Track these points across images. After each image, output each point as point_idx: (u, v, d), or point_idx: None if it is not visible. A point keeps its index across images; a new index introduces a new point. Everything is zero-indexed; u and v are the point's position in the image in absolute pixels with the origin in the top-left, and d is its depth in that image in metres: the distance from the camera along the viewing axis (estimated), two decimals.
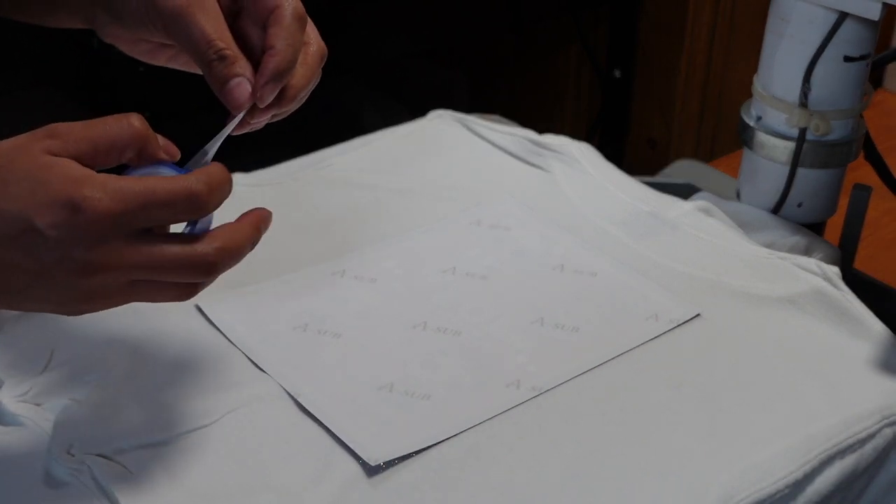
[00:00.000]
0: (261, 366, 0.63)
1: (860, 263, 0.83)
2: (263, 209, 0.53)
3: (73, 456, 0.55)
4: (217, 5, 0.55)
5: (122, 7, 0.56)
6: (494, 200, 0.80)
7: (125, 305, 0.66)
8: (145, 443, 0.57)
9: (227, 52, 0.53)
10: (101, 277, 0.48)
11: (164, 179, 0.48)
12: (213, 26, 0.53)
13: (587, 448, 0.58)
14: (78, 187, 0.46)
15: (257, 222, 0.52)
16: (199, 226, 0.51)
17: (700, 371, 0.64)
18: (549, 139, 0.85)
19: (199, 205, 0.49)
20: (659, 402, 0.61)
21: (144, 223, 0.48)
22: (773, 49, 0.77)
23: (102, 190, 0.46)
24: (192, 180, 0.49)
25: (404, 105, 1.61)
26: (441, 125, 0.90)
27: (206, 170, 0.50)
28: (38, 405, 0.59)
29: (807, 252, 0.77)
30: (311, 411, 0.60)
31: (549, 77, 1.67)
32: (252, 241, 0.51)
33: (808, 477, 0.57)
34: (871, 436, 0.60)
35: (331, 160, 0.84)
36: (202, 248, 0.49)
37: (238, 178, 0.81)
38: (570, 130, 1.67)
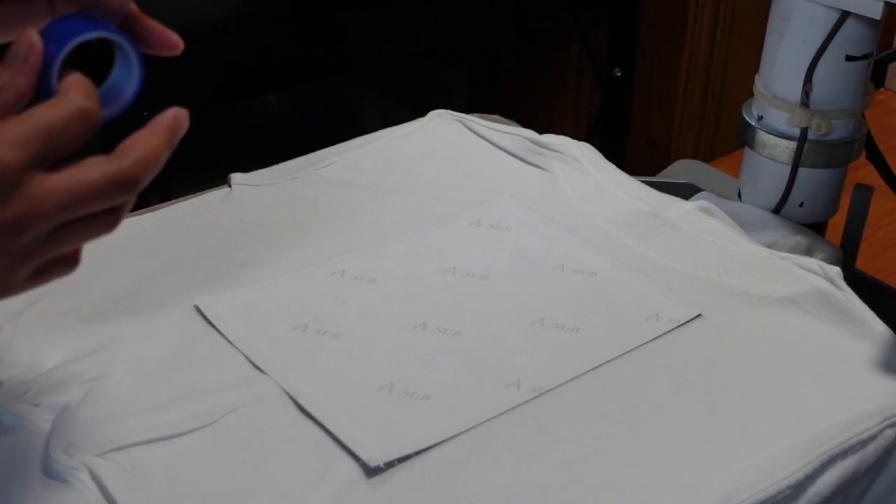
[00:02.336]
0: (260, 366, 0.63)
1: (862, 263, 0.82)
2: (171, 110, 0.49)
3: (71, 456, 0.55)
4: None
5: None
6: (494, 200, 0.80)
7: (125, 305, 0.67)
8: (144, 443, 0.57)
9: None
10: (26, 234, 0.45)
11: (50, 107, 0.45)
12: None
13: (587, 448, 0.58)
14: None
15: (169, 130, 0.48)
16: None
17: (701, 371, 0.64)
18: (549, 139, 0.85)
19: (93, 119, 0.46)
20: (659, 402, 0.61)
21: (51, 157, 0.46)
22: (774, 48, 0.77)
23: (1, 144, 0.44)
24: (76, 98, 0.46)
25: (404, 105, 1.61)
26: (441, 125, 0.89)
27: (78, 81, 0.47)
28: (36, 405, 0.59)
29: (808, 252, 0.76)
30: (311, 412, 0.59)
31: (549, 77, 1.67)
32: (169, 145, 0.48)
33: (810, 478, 0.57)
34: (873, 436, 0.60)
35: (331, 160, 0.84)
36: (119, 164, 0.46)
37: (238, 178, 0.81)
38: (570, 130, 1.67)
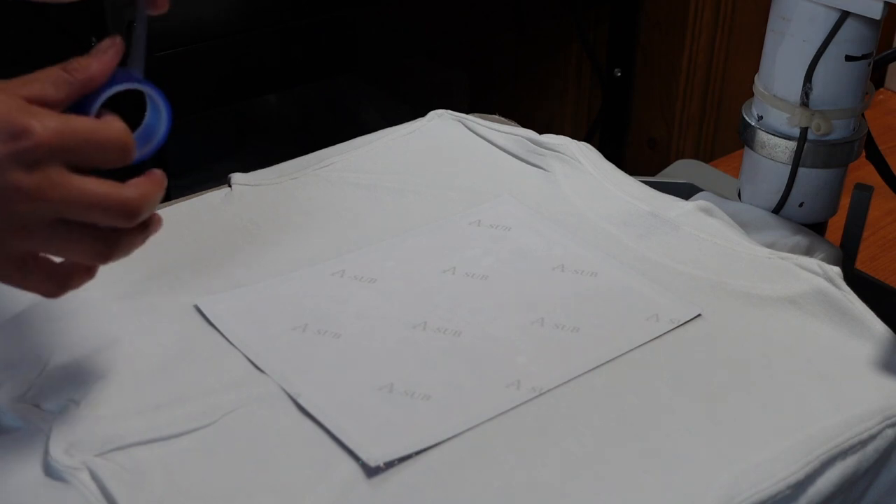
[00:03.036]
0: (260, 366, 0.63)
1: (862, 264, 0.83)
2: (159, 173, 0.55)
3: (71, 456, 0.55)
4: None
5: None
6: (494, 200, 0.80)
7: (126, 306, 0.67)
8: (144, 443, 0.57)
9: None
10: (34, 205, 0.50)
11: (97, 123, 0.52)
12: None
13: (587, 448, 0.58)
14: (24, 116, 0.49)
15: (160, 185, 0.54)
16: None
17: (701, 371, 0.64)
18: (549, 139, 0.85)
19: (127, 151, 0.52)
20: (659, 402, 0.61)
21: (79, 161, 0.51)
22: (774, 48, 0.77)
23: (46, 121, 0.50)
24: (120, 127, 0.52)
25: (404, 105, 1.61)
26: (441, 125, 0.89)
27: (119, 120, 0.53)
28: (36, 406, 0.59)
29: (808, 252, 0.77)
30: (311, 412, 0.59)
31: (549, 77, 1.67)
32: (160, 197, 0.54)
33: (810, 478, 0.57)
34: (873, 437, 0.60)
35: (331, 160, 0.84)
36: (127, 191, 0.52)
37: (238, 178, 0.81)
38: (570, 130, 1.67)
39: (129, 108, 0.57)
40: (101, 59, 0.53)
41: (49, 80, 0.52)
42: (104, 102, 0.54)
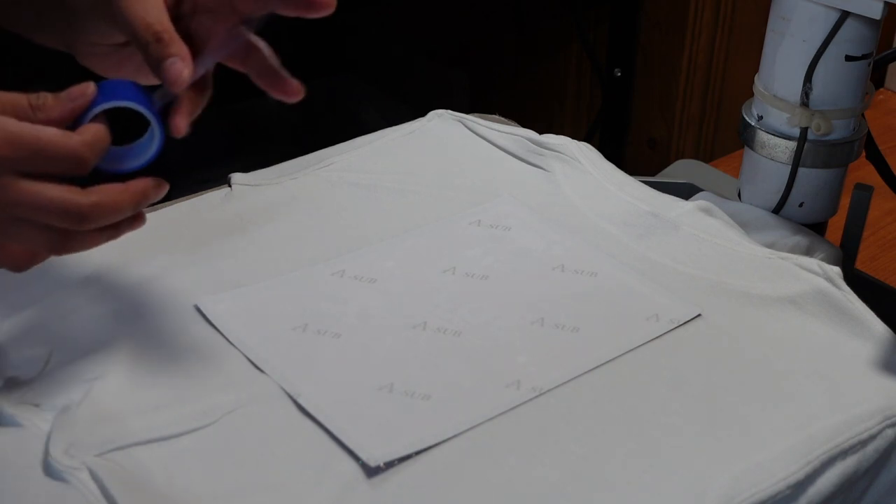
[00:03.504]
0: (260, 366, 0.63)
1: (861, 264, 0.83)
2: (151, 181, 0.57)
3: (71, 456, 0.55)
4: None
5: (72, 5, 0.61)
6: (494, 200, 0.80)
7: (127, 306, 0.67)
8: (144, 443, 0.57)
9: (164, 34, 0.57)
10: None
11: (56, 134, 0.54)
12: (153, 12, 0.58)
13: (587, 448, 0.58)
14: None
15: (139, 195, 0.56)
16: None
17: (701, 371, 0.64)
18: (549, 139, 0.85)
19: (80, 164, 0.54)
20: (659, 402, 0.61)
21: (31, 169, 0.53)
22: (774, 48, 0.77)
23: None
24: (77, 141, 0.54)
25: (404, 105, 1.61)
26: (441, 125, 0.89)
27: (94, 130, 0.55)
28: (36, 406, 0.59)
29: (808, 252, 0.76)
30: (311, 412, 0.59)
31: (549, 77, 1.67)
32: (132, 207, 0.56)
33: (810, 478, 0.57)
34: (873, 436, 0.60)
35: (331, 160, 0.84)
36: (79, 198, 0.54)
37: (238, 178, 0.81)
38: (570, 130, 1.67)
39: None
40: (66, 106, 0.55)
41: (11, 109, 0.54)
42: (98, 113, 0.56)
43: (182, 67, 0.57)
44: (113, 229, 0.57)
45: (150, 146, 0.58)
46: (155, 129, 0.58)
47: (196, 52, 0.58)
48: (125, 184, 0.56)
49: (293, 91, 0.63)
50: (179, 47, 0.57)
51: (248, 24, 0.60)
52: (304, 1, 0.59)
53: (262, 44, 0.62)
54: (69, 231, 0.55)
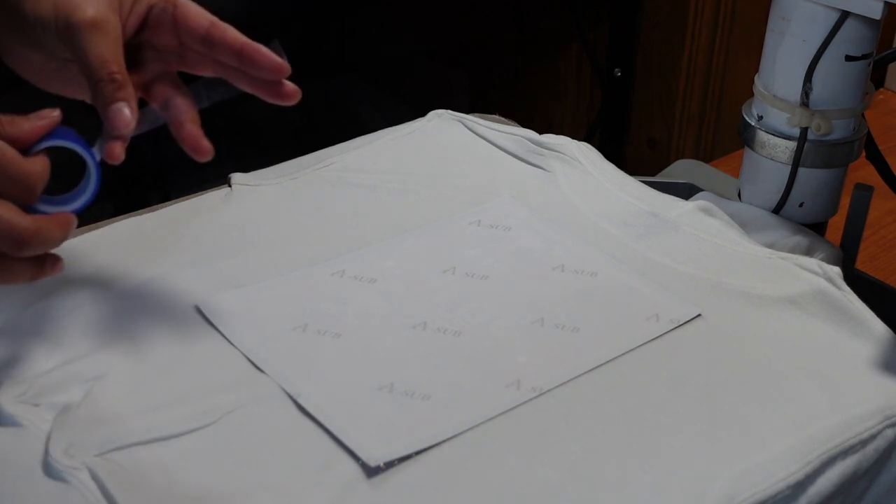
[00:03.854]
0: (260, 366, 0.63)
1: (862, 264, 0.83)
2: (71, 216, 0.57)
3: (71, 456, 0.55)
4: (120, 29, 0.60)
5: (30, 14, 0.60)
6: (494, 200, 0.80)
7: (126, 306, 0.67)
8: (144, 443, 0.57)
9: (118, 76, 0.58)
10: None
11: (18, 156, 0.53)
12: (111, 50, 0.58)
13: (587, 448, 0.58)
14: None
15: (66, 225, 0.56)
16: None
17: (700, 371, 0.64)
18: (549, 139, 0.85)
19: (31, 192, 0.54)
20: (659, 402, 0.61)
21: None
22: (774, 48, 0.77)
23: None
24: (33, 169, 0.54)
25: (404, 105, 1.61)
26: (441, 125, 0.89)
27: (44, 165, 0.55)
28: (36, 405, 0.59)
29: (808, 252, 0.76)
30: (311, 412, 0.59)
31: (549, 77, 1.67)
32: (60, 238, 0.56)
33: (810, 478, 0.57)
34: (873, 436, 0.60)
35: (331, 160, 0.84)
36: (23, 221, 0.54)
37: (238, 178, 0.81)
38: (570, 130, 1.67)
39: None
40: (35, 123, 0.55)
41: None
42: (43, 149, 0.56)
43: (129, 116, 0.57)
44: (38, 267, 0.56)
45: (88, 185, 0.58)
46: (91, 178, 0.58)
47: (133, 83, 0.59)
48: (51, 214, 0.56)
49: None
50: (129, 92, 0.58)
51: (196, 99, 0.63)
52: (269, 88, 0.61)
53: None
54: (2, 256, 0.54)
